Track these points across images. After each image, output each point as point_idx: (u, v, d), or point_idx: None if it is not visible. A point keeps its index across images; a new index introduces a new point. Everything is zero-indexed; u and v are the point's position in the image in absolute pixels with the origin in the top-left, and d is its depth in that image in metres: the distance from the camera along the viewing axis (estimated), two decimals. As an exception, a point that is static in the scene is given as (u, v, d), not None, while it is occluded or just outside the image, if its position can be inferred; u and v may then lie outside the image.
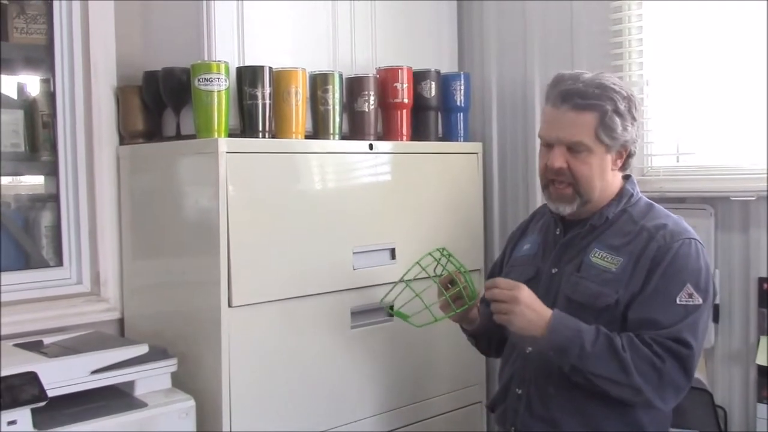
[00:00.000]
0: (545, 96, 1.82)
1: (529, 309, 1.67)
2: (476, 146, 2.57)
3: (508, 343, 1.90)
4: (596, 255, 1.75)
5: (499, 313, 1.69)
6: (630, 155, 1.81)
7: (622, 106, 1.73)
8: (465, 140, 2.53)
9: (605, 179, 1.78)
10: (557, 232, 1.87)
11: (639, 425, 1.72)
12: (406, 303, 1.91)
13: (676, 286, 1.68)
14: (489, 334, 1.96)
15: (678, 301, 1.66)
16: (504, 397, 1.87)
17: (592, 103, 1.72)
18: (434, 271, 1.90)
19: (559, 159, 1.75)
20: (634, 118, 1.76)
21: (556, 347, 1.66)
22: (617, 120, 1.73)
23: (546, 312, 1.68)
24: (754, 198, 2.06)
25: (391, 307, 2.00)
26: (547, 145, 1.79)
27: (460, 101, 2.49)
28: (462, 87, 2.49)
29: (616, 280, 1.71)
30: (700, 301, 1.68)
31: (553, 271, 1.82)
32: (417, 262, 1.91)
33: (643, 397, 1.64)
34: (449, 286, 1.85)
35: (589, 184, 1.76)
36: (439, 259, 1.90)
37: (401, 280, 1.94)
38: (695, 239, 1.74)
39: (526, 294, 1.69)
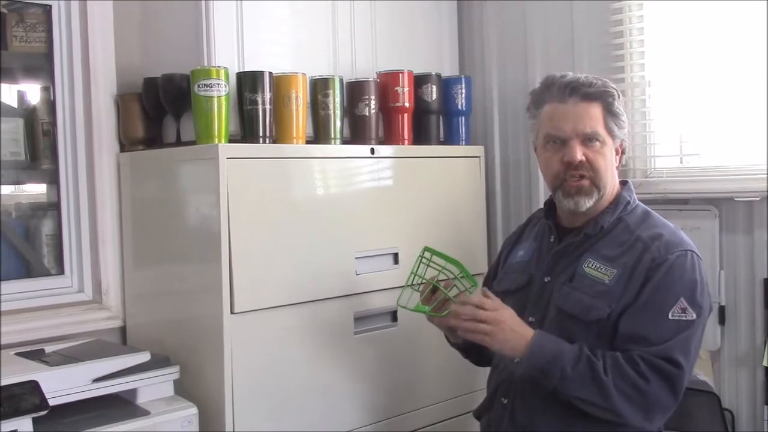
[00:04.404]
0: (537, 99, 1.81)
1: (509, 331, 1.65)
2: (478, 149, 2.55)
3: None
4: (589, 265, 1.72)
5: (475, 333, 1.67)
6: (624, 152, 1.83)
7: (618, 99, 1.77)
8: (467, 144, 2.52)
9: (614, 175, 1.79)
10: (552, 240, 1.84)
11: None
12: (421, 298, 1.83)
13: (669, 300, 1.63)
14: (478, 347, 1.85)
15: (670, 317, 1.62)
16: (490, 406, 1.85)
17: (600, 92, 1.74)
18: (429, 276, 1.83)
19: (578, 152, 1.72)
20: (623, 114, 1.79)
21: (537, 369, 1.64)
22: (620, 109, 1.76)
23: (527, 333, 1.66)
24: (758, 199, 2.05)
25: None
26: (560, 142, 1.74)
27: (462, 105, 2.48)
28: (463, 90, 2.48)
29: (610, 292, 1.67)
30: (694, 316, 1.63)
31: (546, 279, 1.79)
32: (414, 273, 1.83)
33: (624, 420, 1.61)
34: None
35: (605, 176, 1.75)
36: (429, 261, 1.83)
37: (409, 285, 1.85)
38: (692, 251, 1.70)
39: (508, 315, 1.68)
